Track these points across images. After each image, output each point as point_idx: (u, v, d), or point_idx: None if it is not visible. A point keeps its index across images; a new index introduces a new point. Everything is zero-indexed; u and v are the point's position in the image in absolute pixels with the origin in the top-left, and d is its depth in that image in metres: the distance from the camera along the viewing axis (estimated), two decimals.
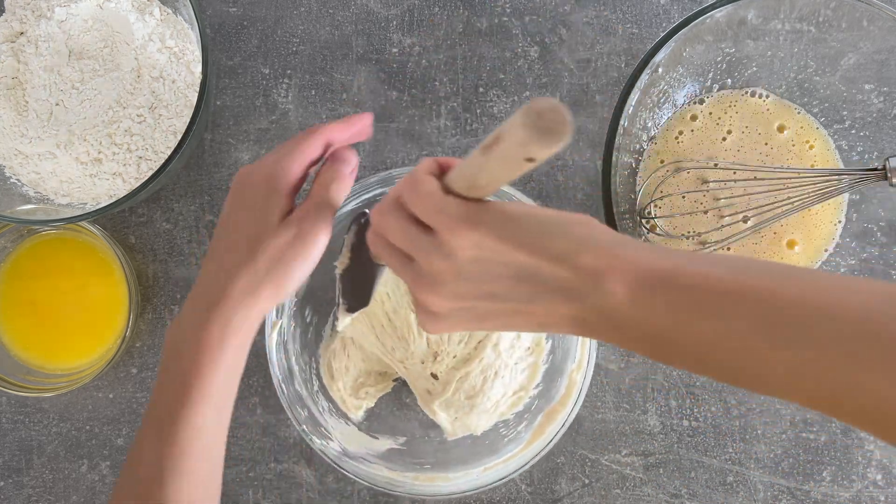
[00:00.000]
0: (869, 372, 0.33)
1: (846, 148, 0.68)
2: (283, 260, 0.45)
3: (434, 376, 0.65)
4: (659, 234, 0.68)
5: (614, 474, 0.70)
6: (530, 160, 0.34)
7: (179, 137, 0.63)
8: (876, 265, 0.66)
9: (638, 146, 0.68)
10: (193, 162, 0.71)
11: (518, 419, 0.65)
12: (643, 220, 0.68)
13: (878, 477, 0.69)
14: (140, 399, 0.70)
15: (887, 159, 0.60)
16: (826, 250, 0.68)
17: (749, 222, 0.67)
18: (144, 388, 0.70)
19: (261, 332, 0.50)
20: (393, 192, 0.44)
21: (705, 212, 0.68)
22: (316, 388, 0.64)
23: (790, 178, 0.65)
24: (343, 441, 0.62)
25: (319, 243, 0.46)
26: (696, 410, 0.69)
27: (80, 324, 0.69)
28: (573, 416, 0.61)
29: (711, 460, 0.69)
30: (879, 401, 0.33)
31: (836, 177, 0.62)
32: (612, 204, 0.60)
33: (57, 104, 0.63)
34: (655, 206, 0.68)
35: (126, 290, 0.66)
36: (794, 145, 0.68)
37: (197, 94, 0.62)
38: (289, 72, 0.71)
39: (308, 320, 0.65)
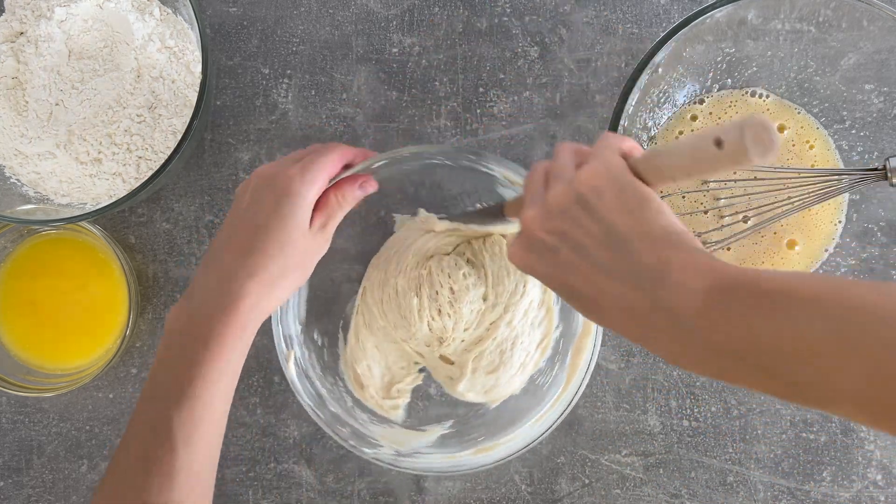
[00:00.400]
0: None
1: (846, 148, 0.68)
2: (312, 259, 0.52)
3: (447, 360, 0.66)
4: None
5: (614, 474, 0.70)
6: (715, 166, 0.37)
7: (179, 137, 0.63)
8: (876, 265, 0.66)
9: None
10: (193, 162, 0.71)
11: (550, 364, 0.66)
12: None
13: (878, 477, 0.69)
14: None
15: (887, 159, 0.60)
16: (826, 250, 0.68)
17: (749, 222, 0.67)
18: None
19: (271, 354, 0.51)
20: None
21: (705, 212, 0.68)
22: (350, 403, 0.65)
23: (790, 178, 0.65)
24: (393, 443, 0.63)
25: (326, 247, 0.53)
26: (696, 410, 0.69)
27: (80, 324, 0.69)
28: (599, 340, 0.61)
29: (711, 460, 0.69)
30: None
31: (836, 177, 0.62)
32: None
33: (57, 104, 0.63)
34: None
35: (126, 290, 0.66)
36: (794, 145, 0.68)
37: (197, 94, 0.62)
38: (289, 72, 0.71)
39: (319, 343, 0.66)
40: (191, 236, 0.70)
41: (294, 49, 0.71)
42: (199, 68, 0.65)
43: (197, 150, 0.71)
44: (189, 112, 0.65)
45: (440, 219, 0.65)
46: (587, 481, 0.70)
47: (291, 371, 0.61)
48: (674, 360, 0.39)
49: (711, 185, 0.67)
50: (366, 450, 0.61)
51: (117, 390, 0.70)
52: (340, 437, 0.61)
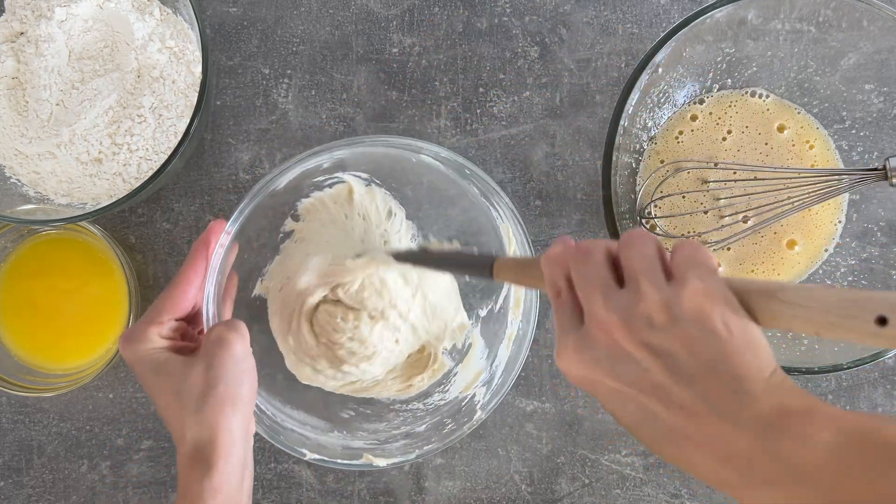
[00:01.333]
0: None
1: (846, 148, 0.68)
2: (217, 378, 0.49)
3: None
4: (659, 234, 0.68)
5: (614, 474, 0.70)
6: (865, 341, 0.32)
7: (179, 137, 0.63)
8: (876, 265, 0.66)
9: (638, 146, 0.68)
10: (193, 162, 0.71)
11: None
12: (643, 220, 0.68)
13: None
14: (140, 399, 0.70)
15: (887, 159, 0.60)
16: (826, 250, 0.68)
17: (749, 222, 0.67)
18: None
19: None
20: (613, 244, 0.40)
21: (705, 212, 0.68)
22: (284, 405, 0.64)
23: (790, 178, 0.65)
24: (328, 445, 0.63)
25: (238, 348, 0.50)
26: None
27: (80, 324, 0.69)
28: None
29: None
30: None
31: (836, 177, 0.62)
32: (612, 204, 0.60)
33: (57, 104, 0.63)
34: (655, 206, 0.68)
35: (126, 290, 0.66)
36: (794, 145, 0.68)
37: (197, 94, 0.62)
38: (289, 72, 0.71)
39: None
40: (191, 236, 0.70)
41: (294, 49, 0.71)
42: (199, 68, 0.65)
43: (197, 150, 0.71)
44: (189, 112, 0.65)
45: (394, 255, 0.61)
46: (587, 481, 0.70)
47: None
48: None
49: (711, 185, 0.67)
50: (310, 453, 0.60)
51: (117, 390, 0.70)
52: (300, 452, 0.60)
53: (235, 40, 0.71)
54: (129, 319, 0.66)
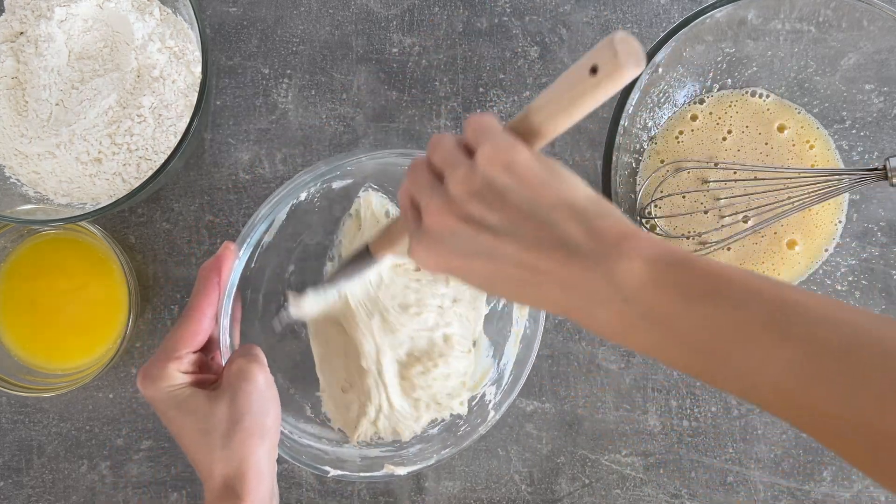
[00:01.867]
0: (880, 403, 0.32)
1: (846, 148, 0.68)
2: (241, 412, 0.48)
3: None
4: (659, 234, 0.68)
5: (614, 474, 0.70)
6: (596, 96, 0.39)
7: (179, 137, 0.63)
8: (876, 265, 0.66)
9: (638, 146, 0.68)
10: (193, 162, 0.71)
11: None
12: (643, 220, 0.68)
13: None
14: (140, 399, 0.70)
15: (887, 159, 0.60)
16: (826, 250, 0.68)
17: (749, 222, 0.67)
18: None
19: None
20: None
21: (705, 212, 0.68)
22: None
23: (790, 178, 0.65)
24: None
25: (259, 378, 0.50)
26: (696, 410, 0.69)
27: (80, 324, 0.69)
28: None
29: (712, 460, 0.69)
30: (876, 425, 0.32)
31: (837, 177, 0.62)
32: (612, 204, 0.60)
33: (57, 104, 0.63)
34: (656, 205, 0.68)
35: (126, 290, 0.66)
36: (794, 145, 0.68)
37: (197, 94, 0.62)
38: (289, 72, 0.71)
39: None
40: (191, 236, 0.70)
41: (294, 49, 0.71)
42: (199, 68, 0.65)
43: (197, 150, 0.71)
44: (189, 112, 0.65)
45: (299, 297, 0.59)
46: (587, 481, 0.70)
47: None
48: (607, 333, 0.39)
49: (711, 185, 0.67)
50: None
51: (117, 390, 0.70)
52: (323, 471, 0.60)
53: (235, 40, 0.71)
54: (129, 319, 0.66)
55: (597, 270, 0.37)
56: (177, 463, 0.69)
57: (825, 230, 0.68)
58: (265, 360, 0.51)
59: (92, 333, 0.69)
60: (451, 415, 0.64)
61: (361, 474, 0.59)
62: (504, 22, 0.71)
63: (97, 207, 0.62)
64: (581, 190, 0.40)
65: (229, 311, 0.54)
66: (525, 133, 0.41)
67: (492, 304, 0.66)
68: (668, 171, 0.68)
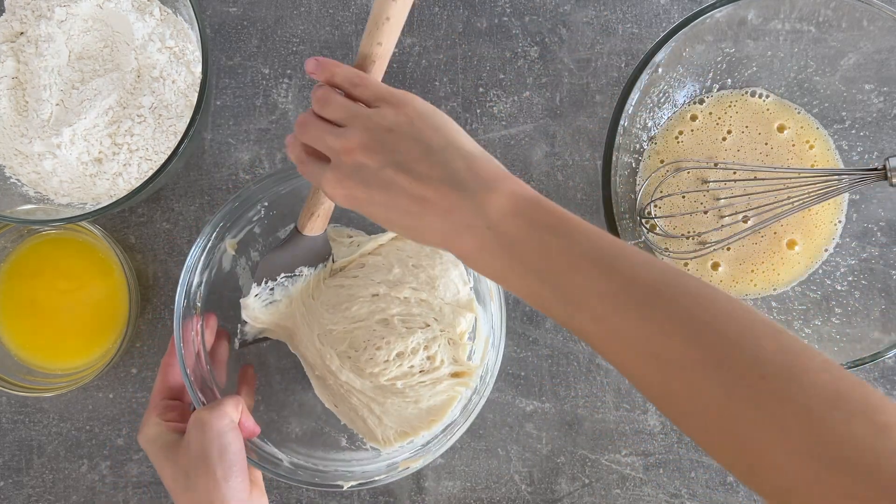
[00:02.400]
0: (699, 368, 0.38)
1: (846, 148, 0.68)
2: (194, 457, 0.54)
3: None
4: (658, 234, 0.68)
5: (614, 474, 0.70)
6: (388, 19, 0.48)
7: (179, 137, 0.63)
8: (876, 265, 0.66)
9: (638, 146, 0.68)
10: (193, 162, 0.71)
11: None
12: (643, 220, 0.68)
13: None
14: (140, 399, 0.70)
15: (887, 159, 0.60)
16: (826, 250, 0.69)
17: (749, 222, 0.68)
18: (144, 388, 0.70)
19: None
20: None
21: (705, 212, 0.68)
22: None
23: (790, 178, 0.65)
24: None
25: (216, 424, 0.54)
26: None
27: (80, 324, 0.69)
28: None
29: (711, 460, 0.69)
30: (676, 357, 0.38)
31: (836, 177, 0.62)
32: (612, 204, 0.60)
33: (57, 104, 0.64)
34: (655, 206, 0.68)
35: (126, 290, 0.66)
36: (794, 145, 0.68)
37: (197, 94, 0.62)
38: (289, 72, 0.71)
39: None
40: (191, 236, 0.70)
41: (294, 49, 0.71)
42: (199, 68, 0.65)
43: (197, 150, 0.71)
44: (189, 112, 0.65)
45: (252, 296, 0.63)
46: (587, 481, 0.70)
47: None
48: (470, 259, 0.45)
49: (711, 185, 0.67)
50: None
51: (117, 390, 0.70)
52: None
53: (235, 40, 0.71)
54: (129, 319, 0.66)
55: (473, 201, 0.43)
56: None
57: (825, 230, 0.68)
58: (231, 411, 0.55)
59: (92, 333, 0.69)
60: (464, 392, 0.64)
61: (379, 478, 0.60)
62: (504, 22, 0.71)
63: (97, 207, 0.62)
64: (466, 137, 0.46)
65: (187, 372, 0.59)
66: (366, 65, 0.50)
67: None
68: (667, 171, 0.68)
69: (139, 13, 0.65)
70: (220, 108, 0.71)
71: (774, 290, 0.69)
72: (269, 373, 0.68)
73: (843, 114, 0.67)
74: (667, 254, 0.68)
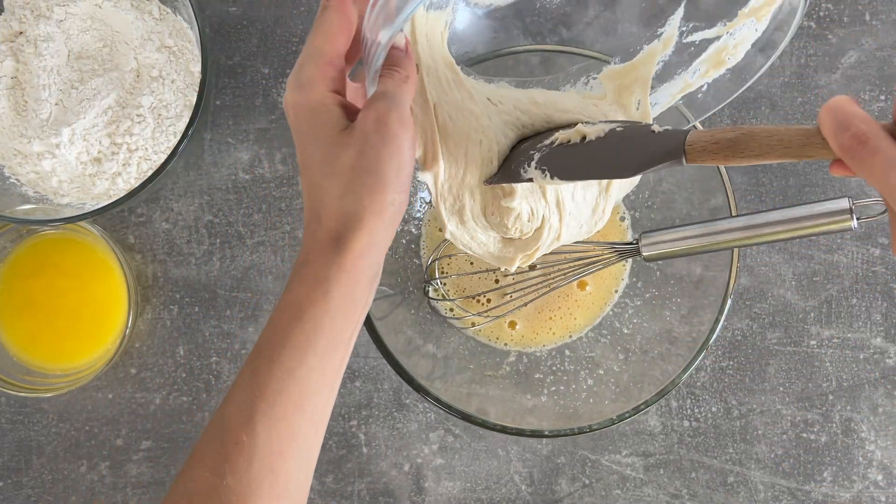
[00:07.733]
0: None
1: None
2: (366, 169, 0.41)
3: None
4: (448, 302, 0.68)
5: (614, 475, 0.69)
6: None
7: (179, 137, 0.63)
8: (656, 303, 0.66)
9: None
10: (193, 162, 0.71)
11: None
12: (430, 289, 0.68)
13: (879, 477, 0.69)
14: (139, 399, 0.70)
15: (642, 234, 0.56)
16: (616, 291, 0.69)
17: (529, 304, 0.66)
18: (144, 389, 0.70)
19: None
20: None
21: (488, 300, 0.68)
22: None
23: (570, 252, 0.63)
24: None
25: (401, 135, 0.41)
26: (696, 410, 0.69)
27: (79, 324, 0.69)
28: None
29: (712, 461, 0.69)
30: None
31: (599, 252, 0.61)
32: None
33: (56, 104, 0.64)
34: (441, 271, 0.68)
35: (126, 290, 0.67)
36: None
37: (196, 94, 0.62)
38: (288, 71, 0.71)
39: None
40: (190, 236, 0.70)
41: (294, 49, 0.71)
42: (198, 68, 0.65)
43: (197, 150, 0.71)
44: (189, 112, 0.65)
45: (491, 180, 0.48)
46: (587, 482, 0.70)
47: None
48: None
49: (501, 282, 0.68)
50: None
51: (117, 390, 0.70)
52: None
53: (235, 40, 0.71)
54: (129, 319, 0.66)
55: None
56: (176, 463, 0.69)
57: (612, 271, 0.68)
58: (408, 99, 0.43)
59: (91, 334, 0.69)
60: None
61: None
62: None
63: (97, 207, 0.62)
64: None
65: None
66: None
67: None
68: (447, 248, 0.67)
69: (138, 12, 0.65)
70: (219, 107, 0.71)
71: (570, 336, 0.69)
72: None
73: None
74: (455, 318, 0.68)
